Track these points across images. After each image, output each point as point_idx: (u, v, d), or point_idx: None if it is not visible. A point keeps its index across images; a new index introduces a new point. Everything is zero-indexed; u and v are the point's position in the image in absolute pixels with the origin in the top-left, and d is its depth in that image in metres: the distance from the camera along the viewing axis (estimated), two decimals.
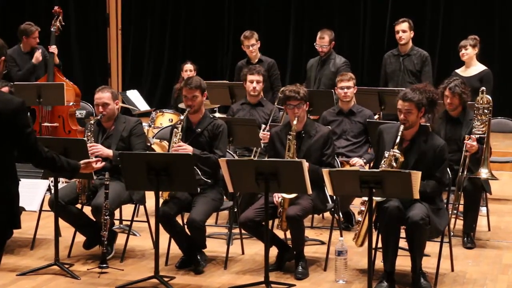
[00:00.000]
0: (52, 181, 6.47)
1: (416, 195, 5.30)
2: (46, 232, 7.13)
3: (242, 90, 8.39)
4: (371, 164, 7.12)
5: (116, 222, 7.17)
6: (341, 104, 7.86)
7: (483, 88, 7.13)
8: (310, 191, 5.71)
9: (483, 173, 6.81)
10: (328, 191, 5.66)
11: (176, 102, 9.86)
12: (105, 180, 6.12)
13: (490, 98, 6.99)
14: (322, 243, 6.92)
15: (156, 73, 14.52)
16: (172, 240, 6.38)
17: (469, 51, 8.75)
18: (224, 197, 6.54)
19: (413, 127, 5.90)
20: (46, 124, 9.92)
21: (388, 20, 12.79)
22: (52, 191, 6.36)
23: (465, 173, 6.81)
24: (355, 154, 7.64)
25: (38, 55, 9.90)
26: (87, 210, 6.51)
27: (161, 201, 6.13)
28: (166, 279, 5.92)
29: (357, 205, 6.39)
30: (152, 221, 6.35)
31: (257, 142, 7.52)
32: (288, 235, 6.38)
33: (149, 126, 9.37)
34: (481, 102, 6.95)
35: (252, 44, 9.46)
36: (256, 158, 7.26)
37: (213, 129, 6.45)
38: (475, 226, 7.06)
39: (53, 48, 10.00)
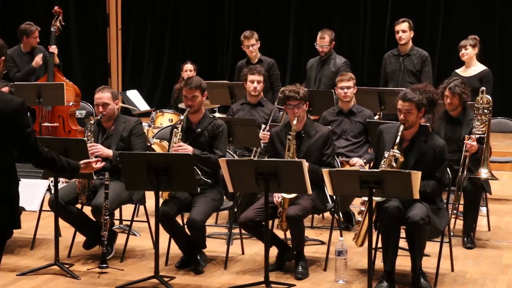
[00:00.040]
0: (52, 181, 6.47)
1: (416, 195, 5.30)
2: (46, 232, 7.13)
3: (242, 90, 8.39)
4: (371, 164, 7.12)
5: (116, 222, 7.17)
6: (341, 104, 7.86)
7: (483, 88, 7.13)
8: (310, 191, 5.71)
9: (483, 173, 6.81)
10: (328, 191, 5.66)
11: (176, 102, 9.86)
12: (105, 180, 6.12)
13: (490, 98, 6.99)
14: (322, 243, 6.92)
15: (156, 73, 14.52)
16: (172, 240, 6.38)
17: (469, 51, 8.75)
18: (224, 197, 6.54)
19: (413, 127, 5.90)
20: (46, 124, 9.92)
21: (388, 20, 12.79)
22: (52, 191, 6.37)
23: (465, 173, 6.81)
24: (355, 154, 7.64)
25: (38, 60, 9.90)
26: (87, 210, 6.51)
27: (161, 201, 6.13)
28: (166, 279, 5.92)
29: (357, 205, 6.39)
30: (152, 221, 6.35)
31: (257, 142, 7.52)
32: (288, 235, 6.38)
33: (149, 126, 9.37)
34: (481, 102, 6.95)
35: (252, 44, 9.46)
36: (256, 158, 7.26)
37: (213, 129, 6.45)
38: (475, 226, 7.06)
39: (53, 48, 10.01)
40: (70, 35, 14.19)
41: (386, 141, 5.96)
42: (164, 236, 6.16)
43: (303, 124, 6.36)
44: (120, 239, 6.70)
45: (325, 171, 5.42)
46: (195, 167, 6.01)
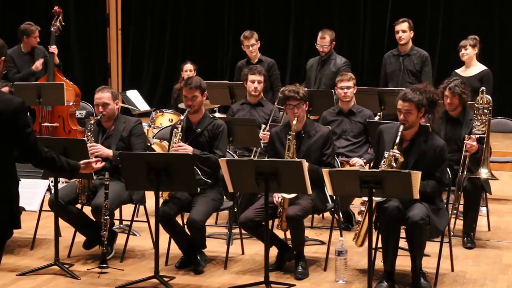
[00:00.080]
0: (52, 181, 6.47)
1: (416, 195, 5.30)
2: (46, 232, 7.13)
3: (242, 90, 8.39)
4: (371, 164, 7.12)
5: (116, 222, 7.17)
6: (341, 104, 7.86)
7: (483, 88, 7.13)
8: (310, 191, 5.71)
9: (483, 173, 6.81)
10: (328, 191, 5.66)
11: (176, 102, 9.86)
12: (105, 180, 6.12)
13: (490, 98, 6.99)
14: (322, 243, 6.92)
15: (156, 73, 14.52)
16: (172, 240, 6.38)
17: (469, 51, 8.75)
18: (224, 197, 6.54)
19: (413, 127, 5.90)
20: (46, 124, 9.92)
21: (388, 20, 12.79)
22: (52, 191, 6.37)
23: (465, 173, 6.81)
24: (355, 154, 7.64)
25: (38, 64, 9.90)
26: (87, 210, 6.51)
27: (161, 201, 6.13)
28: (166, 279, 5.92)
29: (357, 205, 6.39)
30: (152, 221, 6.35)
31: (257, 142, 7.52)
32: (288, 235, 6.38)
33: (149, 126, 9.37)
34: (481, 102, 6.95)
35: (252, 44, 9.46)
36: (256, 158, 7.26)
37: (213, 129, 6.45)
38: (475, 226, 7.06)
39: (53, 48, 10.01)
40: (70, 35, 14.19)
41: (386, 141, 5.96)
42: (164, 236, 6.16)
43: (303, 124, 6.36)
44: (120, 239, 6.70)
45: (325, 171, 5.42)
46: (195, 167, 6.01)
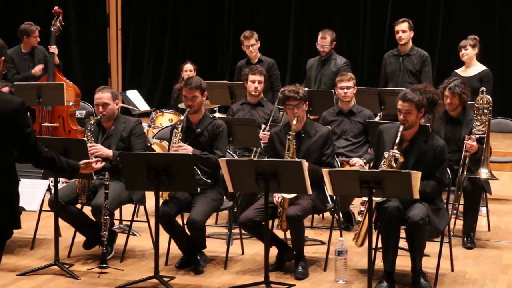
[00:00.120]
0: (52, 181, 6.47)
1: (416, 195, 5.30)
2: (46, 232, 7.13)
3: (242, 90, 8.40)
4: (371, 164, 7.12)
5: (116, 222, 7.17)
6: (341, 104, 7.86)
7: (483, 88, 7.13)
8: (310, 191, 5.71)
9: (483, 173, 6.81)
10: (328, 191, 5.66)
11: (176, 102, 9.86)
12: (105, 180, 6.12)
13: (490, 98, 6.99)
14: (322, 243, 6.92)
15: (156, 73, 14.52)
16: (172, 240, 6.38)
17: (469, 51, 8.75)
18: (224, 197, 6.54)
19: (412, 128, 5.90)
20: (46, 124, 9.93)
21: (388, 20, 12.79)
22: (52, 191, 6.37)
23: (465, 173, 6.81)
24: (355, 154, 7.64)
25: (38, 70, 9.90)
26: (87, 210, 6.51)
27: (161, 201, 6.12)
28: (166, 279, 5.92)
29: (357, 205, 6.39)
30: (152, 221, 6.35)
31: (257, 142, 7.52)
32: (288, 235, 6.38)
33: (149, 126, 9.37)
34: (481, 102, 6.95)
35: (252, 44, 9.46)
36: (256, 158, 7.26)
37: (213, 129, 6.45)
38: (475, 226, 7.06)
39: (53, 48, 10.01)
40: (70, 35, 14.19)
41: (386, 141, 5.96)
42: (164, 236, 6.16)
43: (302, 124, 6.36)
44: (120, 239, 6.70)
45: (325, 171, 5.42)
46: (195, 167, 6.01)
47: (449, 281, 6.07)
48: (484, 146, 6.80)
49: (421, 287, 5.80)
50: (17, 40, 10.04)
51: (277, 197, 6.12)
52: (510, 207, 8.56)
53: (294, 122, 6.22)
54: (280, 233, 6.44)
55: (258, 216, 6.05)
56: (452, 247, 6.34)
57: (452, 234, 6.70)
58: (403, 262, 6.01)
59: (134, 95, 10.59)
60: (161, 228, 5.99)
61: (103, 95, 6.56)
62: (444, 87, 6.96)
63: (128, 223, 6.76)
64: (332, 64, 9.28)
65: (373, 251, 5.70)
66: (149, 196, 6.27)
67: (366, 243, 5.58)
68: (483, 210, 7.58)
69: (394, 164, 5.75)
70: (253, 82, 8.02)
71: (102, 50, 14.63)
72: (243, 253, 6.71)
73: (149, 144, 8.06)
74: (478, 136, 6.80)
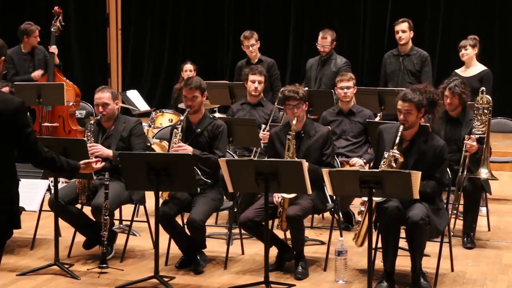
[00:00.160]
0: (52, 181, 6.47)
1: (416, 195, 5.30)
2: (46, 232, 7.13)
3: (242, 90, 8.40)
4: (371, 164, 7.12)
5: (116, 222, 7.17)
6: (341, 104, 7.86)
7: (483, 88, 7.13)
8: (310, 191, 5.71)
9: (483, 173, 6.81)
10: (328, 191, 5.66)
11: (176, 102, 9.86)
12: (105, 180, 6.12)
13: (490, 98, 6.99)
14: (322, 243, 6.92)
15: (156, 73, 14.52)
16: (172, 240, 6.38)
17: (469, 51, 8.75)
18: (224, 197, 6.54)
19: (412, 128, 5.90)
20: (46, 124, 9.93)
21: (388, 20, 12.79)
22: (52, 191, 6.37)
23: (465, 173, 6.81)
24: (355, 154, 7.64)
25: (36, 75, 9.90)
26: (87, 210, 6.51)
27: (161, 201, 6.13)
28: (166, 279, 5.92)
29: (357, 205, 6.39)
30: (152, 221, 6.35)
31: (257, 142, 7.52)
32: (288, 235, 6.38)
33: (149, 126, 9.37)
34: (481, 102, 6.95)
35: (252, 44, 9.46)
36: (256, 158, 7.26)
37: (213, 129, 6.45)
38: (475, 226, 7.06)
39: (53, 48, 10.01)
40: (70, 35, 14.20)
41: (386, 141, 5.96)
42: (164, 236, 6.17)
43: (302, 124, 6.36)
44: (120, 239, 6.70)
45: (325, 171, 5.42)
46: (195, 167, 6.01)
47: (449, 281, 6.07)
48: (484, 146, 6.80)
49: (421, 287, 5.80)
50: (17, 40, 10.04)
51: (277, 197, 6.12)
52: (510, 207, 8.56)
53: (294, 122, 6.22)
54: (280, 233, 6.44)
55: (258, 216, 6.06)
56: (452, 247, 6.34)
57: (452, 234, 6.70)
58: (403, 262, 6.01)
59: (134, 95, 10.59)
60: (161, 228, 5.99)
61: (103, 95, 6.56)
62: (444, 87, 6.96)
63: (128, 223, 6.76)
64: (332, 64, 9.28)
65: (373, 251, 5.70)
66: (149, 196, 6.27)
67: (366, 243, 5.58)
68: (483, 210, 7.58)
69: (394, 164, 5.75)
70: (253, 82, 8.03)
71: (102, 50, 14.64)
72: (243, 253, 6.71)
73: (149, 144, 8.06)
74: (478, 136, 6.80)
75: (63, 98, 9.17)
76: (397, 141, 5.80)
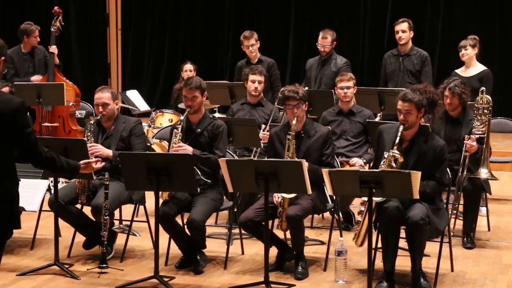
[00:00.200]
0: (52, 181, 6.47)
1: (416, 195, 5.30)
2: (46, 232, 7.13)
3: (242, 90, 8.40)
4: (371, 164, 7.12)
5: (116, 222, 7.17)
6: (341, 104, 7.86)
7: (483, 88, 7.13)
8: (310, 191, 5.71)
9: (483, 173, 6.81)
10: (328, 191, 5.66)
11: (176, 102, 9.86)
12: (105, 180, 6.12)
13: (490, 98, 6.99)
14: (322, 243, 6.92)
15: (156, 73, 14.53)
16: (172, 240, 6.38)
17: (469, 51, 8.75)
18: (224, 197, 6.54)
19: (412, 128, 5.90)
20: (46, 124, 9.92)
21: (388, 20, 12.79)
22: (52, 191, 6.37)
23: (465, 173, 6.81)
24: (355, 154, 7.65)
25: (36, 79, 9.90)
26: (87, 210, 6.51)
27: (161, 201, 6.13)
28: (166, 279, 5.92)
29: (357, 205, 6.39)
30: (152, 221, 6.35)
31: (257, 142, 7.52)
32: (288, 235, 6.38)
33: (149, 126, 9.37)
34: (481, 102, 6.95)
35: (251, 44, 9.46)
36: (256, 158, 7.26)
37: (213, 129, 6.45)
38: (475, 226, 7.06)
39: (53, 48, 10.01)
40: (70, 35, 14.20)
41: (386, 141, 5.96)
42: (164, 236, 6.17)
43: (302, 124, 6.36)
44: (120, 239, 6.70)
45: (325, 171, 5.42)
46: (195, 167, 6.01)
47: (449, 281, 6.07)
48: (484, 146, 6.80)
49: (421, 287, 5.80)
50: (17, 40, 10.04)
51: (277, 197, 6.12)
52: (510, 207, 8.56)
53: (294, 122, 6.22)
54: (280, 233, 6.44)
55: (258, 216, 6.06)
56: (452, 247, 6.34)
57: (452, 234, 6.70)
58: (403, 262, 6.01)
59: (134, 95, 10.59)
60: (161, 228, 5.99)
61: (103, 95, 6.56)
62: (444, 87, 6.96)
63: (128, 223, 6.76)
64: (332, 64, 9.28)
65: (373, 251, 5.70)
66: (149, 196, 6.27)
67: (366, 243, 5.58)
68: (483, 210, 7.58)
69: (394, 164, 5.75)
70: (253, 82, 8.03)
71: (102, 50, 14.63)
72: (243, 253, 6.71)
73: (149, 144, 8.06)
74: (478, 136, 6.80)
75: (63, 98, 9.17)
76: (397, 141, 5.80)
